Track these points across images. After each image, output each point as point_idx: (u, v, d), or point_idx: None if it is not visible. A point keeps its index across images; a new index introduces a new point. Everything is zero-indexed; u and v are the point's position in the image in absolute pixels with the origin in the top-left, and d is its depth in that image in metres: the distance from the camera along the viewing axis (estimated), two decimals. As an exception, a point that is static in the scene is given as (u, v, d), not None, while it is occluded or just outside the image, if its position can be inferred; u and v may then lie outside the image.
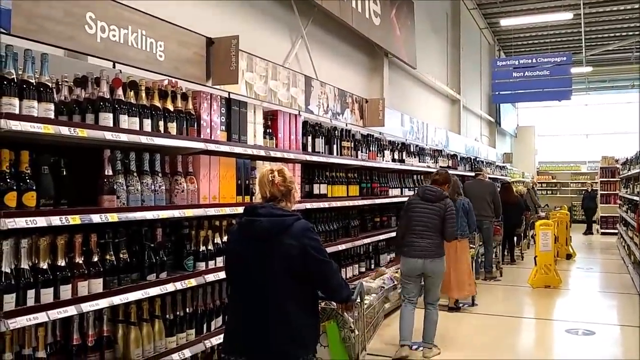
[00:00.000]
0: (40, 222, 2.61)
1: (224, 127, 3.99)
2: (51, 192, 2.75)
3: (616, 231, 17.54)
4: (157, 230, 3.45)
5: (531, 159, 25.78)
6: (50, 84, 2.71)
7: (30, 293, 2.62)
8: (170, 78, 3.75)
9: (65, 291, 2.78)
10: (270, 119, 4.57)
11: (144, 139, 3.18)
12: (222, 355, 2.87)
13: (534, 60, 16.00)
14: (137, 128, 3.18)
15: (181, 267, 3.69)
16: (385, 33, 9.01)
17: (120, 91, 3.08)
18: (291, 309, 2.75)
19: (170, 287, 3.43)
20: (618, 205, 16.22)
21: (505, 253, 11.84)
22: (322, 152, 5.38)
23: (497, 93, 17.20)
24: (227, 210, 3.95)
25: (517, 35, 20.64)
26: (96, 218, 2.89)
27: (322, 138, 5.37)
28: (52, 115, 2.69)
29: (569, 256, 12.95)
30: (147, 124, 3.26)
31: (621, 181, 15.44)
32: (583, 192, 20.71)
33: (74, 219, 2.77)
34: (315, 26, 7.44)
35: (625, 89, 25.26)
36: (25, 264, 2.64)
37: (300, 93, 5.58)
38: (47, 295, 2.69)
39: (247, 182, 4.21)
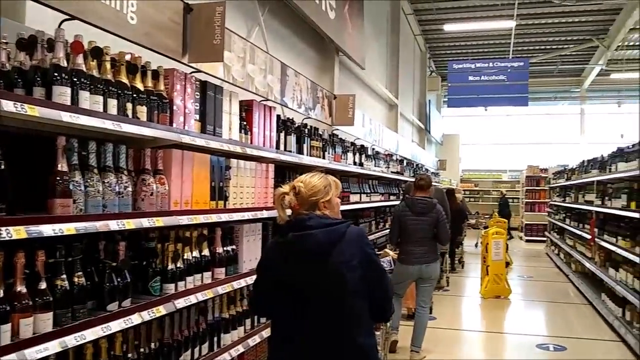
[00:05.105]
0: (-30, 236, 1.80)
1: (197, 117, 3.25)
2: (-17, 194, 1.94)
3: (542, 239, 17.90)
4: (119, 244, 2.67)
5: (456, 167, 26.11)
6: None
7: (-49, 340, 1.81)
8: (139, 47, 2.98)
9: (4, 333, 1.97)
10: (245, 110, 3.86)
11: (109, 124, 2.40)
12: None
13: (490, 65, 15.87)
14: (101, 109, 2.39)
15: (145, 291, 2.91)
16: (339, 29, 8.44)
17: (79, 59, 2.29)
18: (362, 337, 2.37)
19: (135, 319, 2.65)
20: (548, 213, 16.49)
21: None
22: (293, 152, 4.72)
23: (452, 97, 16.84)
24: (201, 219, 3.20)
25: (448, 44, 20.79)
26: (47, 230, 2.10)
27: (293, 135, 4.70)
28: (-12, 84, 1.88)
29: (507, 264, 12.90)
30: (113, 105, 2.47)
31: (553, 190, 15.71)
32: (500, 199, 21.07)
33: (18, 232, 1.96)
34: (271, 15, 6.75)
35: (546, 101, 26.15)
36: (-57, 298, 1.82)
37: (276, 82, 4.87)
38: (-25, 341, 1.88)
39: (221, 184, 3.47)
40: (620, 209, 6.72)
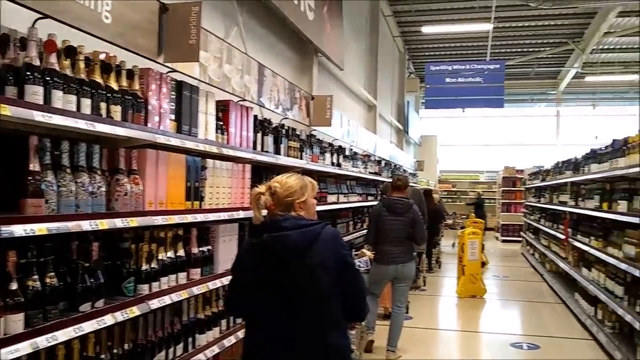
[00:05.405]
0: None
1: (173, 116, 3.24)
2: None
3: (518, 239, 18.13)
4: (92, 244, 2.65)
5: (434, 168, 26.33)
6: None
7: None
8: (114, 47, 2.96)
9: (-28, 335, 1.95)
10: (222, 110, 3.85)
11: (82, 124, 2.39)
12: None
13: (467, 67, 16.01)
14: (75, 109, 2.38)
15: (119, 292, 2.89)
16: (318, 30, 8.46)
17: (53, 58, 2.28)
18: (336, 338, 2.40)
19: (108, 320, 2.63)
20: (523, 213, 16.71)
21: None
22: (270, 152, 4.72)
23: (429, 98, 16.95)
24: (176, 219, 3.19)
25: (427, 45, 20.93)
26: (19, 230, 2.08)
27: (270, 136, 4.70)
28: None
29: (483, 264, 13.03)
30: (87, 104, 2.46)
31: (528, 190, 15.92)
32: (476, 200, 21.29)
33: (-12, 232, 1.95)
34: (250, 16, 6.74)
35: (523, 102, 26.50)
36: None
37: (253, 82, 4.87)
38: (-56, 342, 1.86)
39: (196, 184, 3.47)
40: (593, 210, 6.84)
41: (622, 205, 5.54)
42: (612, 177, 6.06)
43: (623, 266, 5.34)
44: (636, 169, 5.02)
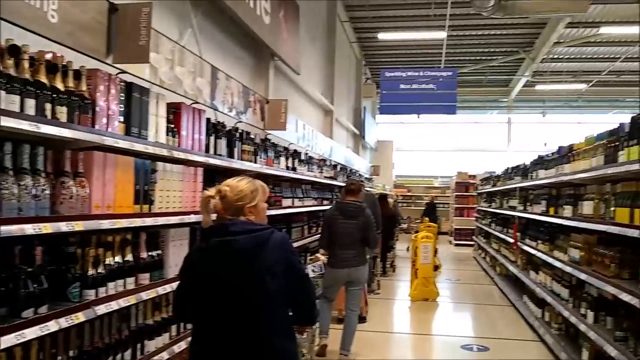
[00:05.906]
0: None
1: (122, 118, 3.18)
2: None
3: (470, 243, 18.49)
4: (36, 249, 2.58)
5: (389, 172, 26.60)
6: None
7: None
8: (62, 47, 2.89)
9: None
10: (173, 112, 3.81)
11: (26, 125, 2.32)
12: None
13: (421, 74, 16.24)
14: (18, 109, 2.32)
15: (64, 297, 2.82)
16: (274, 34, 8.45)
17: (-6, 57, 2.22)
18: (282, 343, 2.38)
19: (52, 326, 2.56)
20: (475, 218, 17.05)
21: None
22: (223, 155, 4.69)
23: (384, 104, 17.10)
24: (124, 223, 3.14)
25: (383, 52, 21.18)
26: (-45, 234, 2.01)
27: (223, 139, 4.67)
28: None
29: (436, 267, 13.22)
30: (31, 105, 2.40)
31: (480, 195, 16.27)
32: (426, 204, 21.65)
33: None
34: (205, 18, 6.67)
35: (476, 110, 27.09)
36: None
37: (206, 85, 4.83)
38: None
39: (146, 187, 3.42)
40: (540, 215, 7.03)
41: (568, 210, 5.72)
42: (558, 182, 6.25)
43: (568, 269, 5.52)
44: (581, 175, 5.19)
